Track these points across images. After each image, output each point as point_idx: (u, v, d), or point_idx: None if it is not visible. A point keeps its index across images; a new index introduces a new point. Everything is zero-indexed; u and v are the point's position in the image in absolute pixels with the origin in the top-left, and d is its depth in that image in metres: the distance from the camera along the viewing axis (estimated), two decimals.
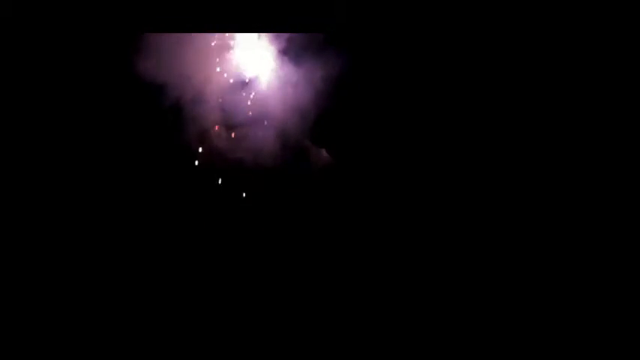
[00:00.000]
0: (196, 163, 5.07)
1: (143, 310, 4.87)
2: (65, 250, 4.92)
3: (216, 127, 5.08)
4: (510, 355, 4.61)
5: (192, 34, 4.87)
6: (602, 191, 4.94)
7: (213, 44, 5.03)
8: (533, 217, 5.05)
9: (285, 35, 5.07)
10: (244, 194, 5.23)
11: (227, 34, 5.12)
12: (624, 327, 4.59)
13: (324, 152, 5.31)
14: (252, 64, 5.11)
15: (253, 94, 5.16)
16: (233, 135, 5.14)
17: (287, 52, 5.05)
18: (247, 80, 5.11)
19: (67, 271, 4.88)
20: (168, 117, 4.96)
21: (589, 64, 4.98)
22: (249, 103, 5.17)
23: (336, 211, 5.23)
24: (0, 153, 4.90)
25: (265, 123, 5.11)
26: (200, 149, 5.05)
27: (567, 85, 5.05)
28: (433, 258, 5.17)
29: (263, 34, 5.09)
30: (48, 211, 4.95)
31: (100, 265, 4.94)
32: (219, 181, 5.21)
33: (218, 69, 5.05)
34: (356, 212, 5.23)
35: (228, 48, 5.02)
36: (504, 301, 4.91)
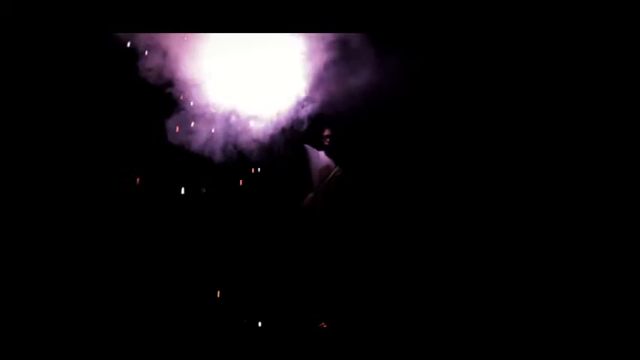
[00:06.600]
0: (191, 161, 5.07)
1: (141, 310, 4.86)
2: (64, 249, 4.92)
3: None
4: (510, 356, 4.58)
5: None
6: (603, 192, 4.94)
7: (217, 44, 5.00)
8: (538, 224, 5.05)
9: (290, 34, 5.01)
10: (238, 195, 5.25)
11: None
12: (624, 327, 4.57)
13: (322, 155, 5.30)
14: (253, 64, 5.10)
15: (252, 93, 5.15)
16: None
17: (291, 52, 5.03)
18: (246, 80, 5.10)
19: (65, 270, 4.88)
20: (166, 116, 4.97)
21: (589, 64, 5.00)
22: (247, 103, 5.16)
23: (335, 213, 5.22)
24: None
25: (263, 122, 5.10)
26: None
27: (568, 86, 5.07)
28: (434, 261, 5.17)
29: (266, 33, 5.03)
30: (46, 210, 4.96)
31: (99, 264, 4.95)
32: (215, 182, 5.23)
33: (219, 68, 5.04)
34: (356, 214, 5.23)
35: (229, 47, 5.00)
36: (506, 303, 4.90)
